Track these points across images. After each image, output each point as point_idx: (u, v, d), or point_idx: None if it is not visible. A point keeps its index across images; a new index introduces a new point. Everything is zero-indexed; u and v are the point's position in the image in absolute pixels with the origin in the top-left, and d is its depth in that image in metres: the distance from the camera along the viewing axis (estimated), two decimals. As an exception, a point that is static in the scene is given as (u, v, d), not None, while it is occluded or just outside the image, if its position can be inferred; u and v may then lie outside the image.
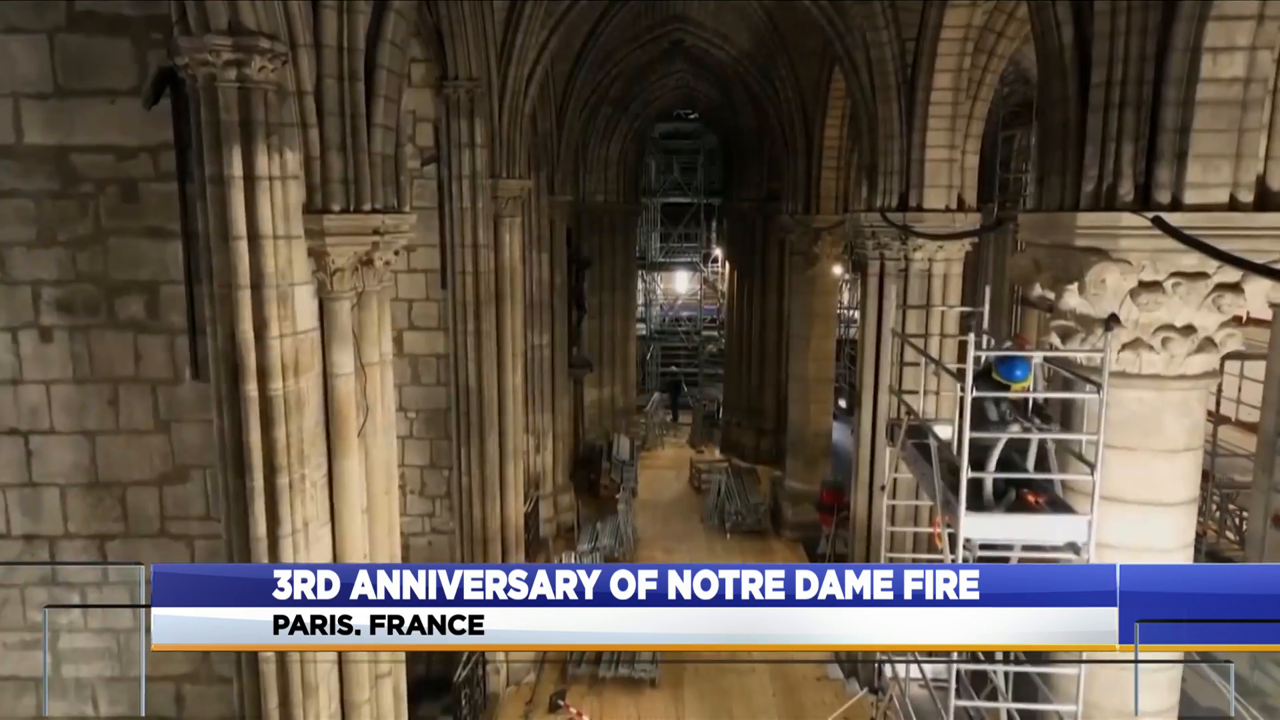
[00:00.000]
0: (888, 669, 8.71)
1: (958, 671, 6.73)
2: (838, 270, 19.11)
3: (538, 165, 17.45)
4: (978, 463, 6.37)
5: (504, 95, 12.24)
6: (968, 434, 5.90)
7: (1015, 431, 6.39)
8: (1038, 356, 6.56)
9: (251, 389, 5.64)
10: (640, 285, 30.87)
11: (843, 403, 24.74)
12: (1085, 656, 5.98)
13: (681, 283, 34.76)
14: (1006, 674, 6.81)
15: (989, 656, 6.91)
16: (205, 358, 5.88)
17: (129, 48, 6.01)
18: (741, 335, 24.92)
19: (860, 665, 13.09)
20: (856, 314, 30.02)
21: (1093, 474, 5.85)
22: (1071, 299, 6.30)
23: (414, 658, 11.66)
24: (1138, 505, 6.25)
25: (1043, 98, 6.80)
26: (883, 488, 8.51)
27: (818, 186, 18.06)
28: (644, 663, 13.31)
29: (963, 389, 5.96)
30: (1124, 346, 6.14)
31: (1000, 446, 6.24)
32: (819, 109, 17.49)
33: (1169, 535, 6.25)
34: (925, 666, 8.20)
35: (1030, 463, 6.51)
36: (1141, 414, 6.20)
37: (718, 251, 32.41)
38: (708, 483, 21.85)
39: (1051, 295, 6.54)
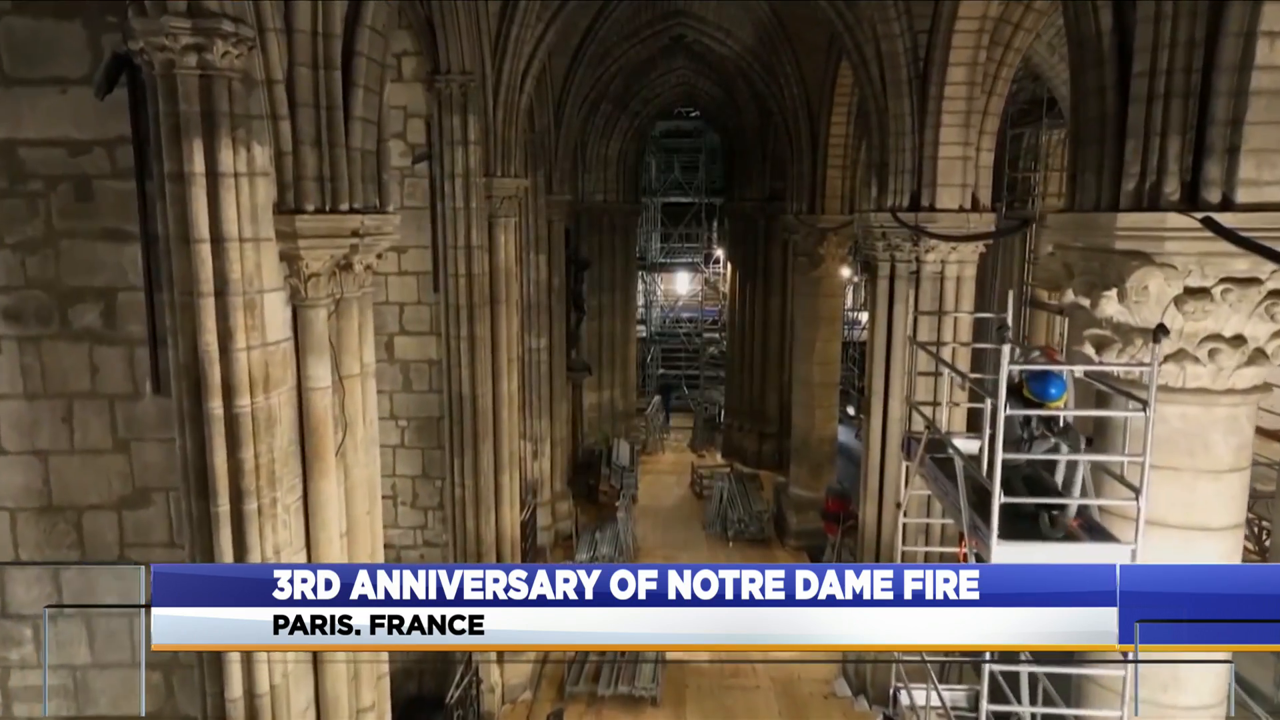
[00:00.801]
0: (904, 696, 8.19)
1: (983, 703, 6.23)
2: (845, 272, 18.59)
3: (535, 164, 17.01)
4: (1005, 483, 5.87)
5: (498, 90, 11.76)
6: (1000, 455, 5.39)
7: (1050, 451, 5.88)
8: (1077, 370, 6.04)
9: (216, 406, 5.15)
10: (640, 286, 30.38)
11: (851, 409, 24.27)
12: (1126, 697, 5.48)
13: (682, 284, 34.22)
14: (1034, 714, 6.30)
15: (1015, 694, 6.41)
16: (168, 371, 5.37)
17: (81, 31, 5.50)
18: (744, 337, 24.44)
19: (870, 680, 12.61)
20: (862, 315, 29.61)
21: (1137, 498, 5.34)
22: (1109, 307, 5.80)
23: (404, 676, 11.21)
24: (1181, 530, 5.76)
25: (1076, 89, 6.30)
26: (898, 505, 8.00)
27: (823, 186, 17.57)
28: (644, 680, 12.81)
29: (995, 406, 5.44)
30: (1166, 358, 5.64)
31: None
32: (824, 105, 17.00)
33: (1215, 563, 5.76)
34: (945, 694, 7.70)
35: (1064, 483, 6.00)
36: (1186, 431, 5.70)
37: (719, 252, 31.90)
38: (709, 488, 21.39)
39: (1086, 302, 6.04)
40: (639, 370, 28.81)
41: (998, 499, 5.36)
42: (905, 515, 8.33)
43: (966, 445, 7.20)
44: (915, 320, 11.82)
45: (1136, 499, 5.34)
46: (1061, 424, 6.25)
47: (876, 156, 12.08)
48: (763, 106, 21.93)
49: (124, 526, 5.93)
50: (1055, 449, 5.87)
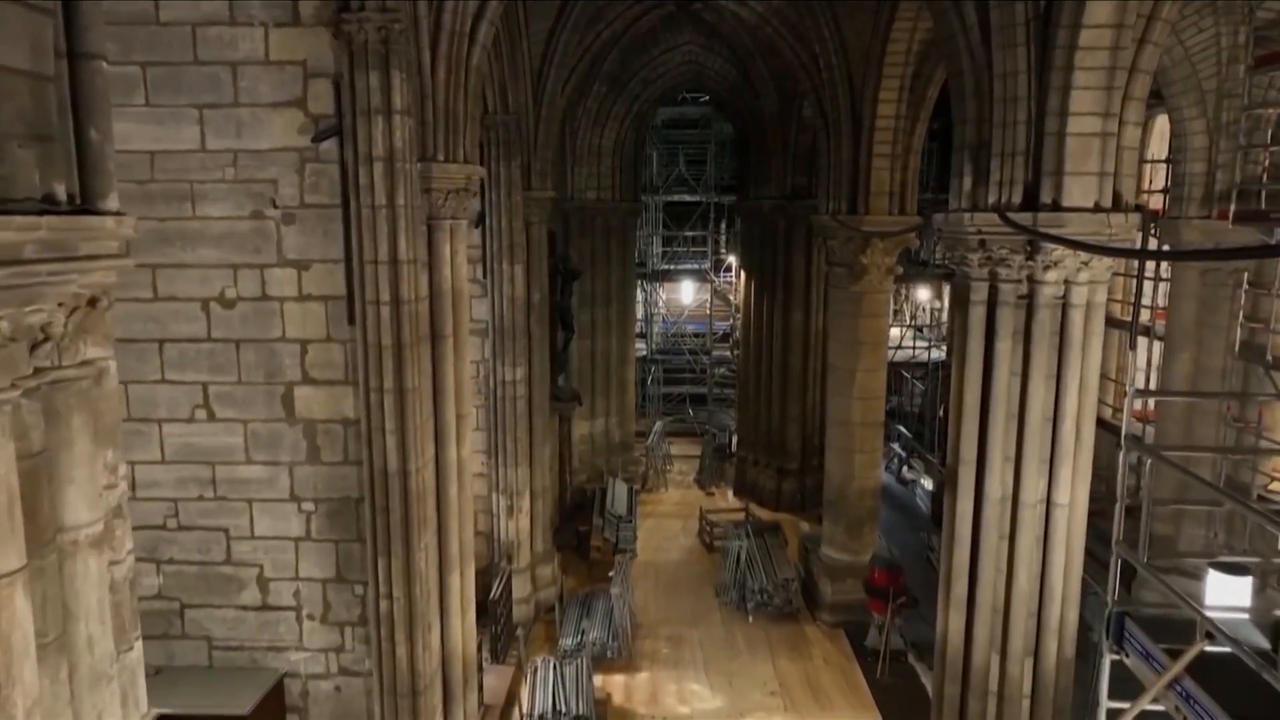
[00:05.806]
0: None
1: None
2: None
3: (508, 152, 13.68)
4: None
5: (438, 39, 8.32)
6: None
7: None
8: None
9: None
10: (640, 297, 26.93)
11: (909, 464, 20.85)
12: None
13: (687, 294, 30.67)
14: None
15: None
16: None
17: None
18: (759, 358, 21.05)
19: None
20: (894, 332, 26.06)
21: None
22: None
23: None
24: None
25: None
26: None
27: (867, 180, 14.10)
28: None
29: None
30: None
31: None
32: (871, 79, 13.55)
33: None
34: None
35: None
36: None
37: (731, 258, 28.39)
38: (722, 537, 18.04)
39: None
40: (637, 389, 25.31)
41: None
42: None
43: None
44: (1019, 374, 8.54)
45: None
46: None
47: (971, 134, 8.64)
48: (784, 89, 18.62)
49: None
50: None
